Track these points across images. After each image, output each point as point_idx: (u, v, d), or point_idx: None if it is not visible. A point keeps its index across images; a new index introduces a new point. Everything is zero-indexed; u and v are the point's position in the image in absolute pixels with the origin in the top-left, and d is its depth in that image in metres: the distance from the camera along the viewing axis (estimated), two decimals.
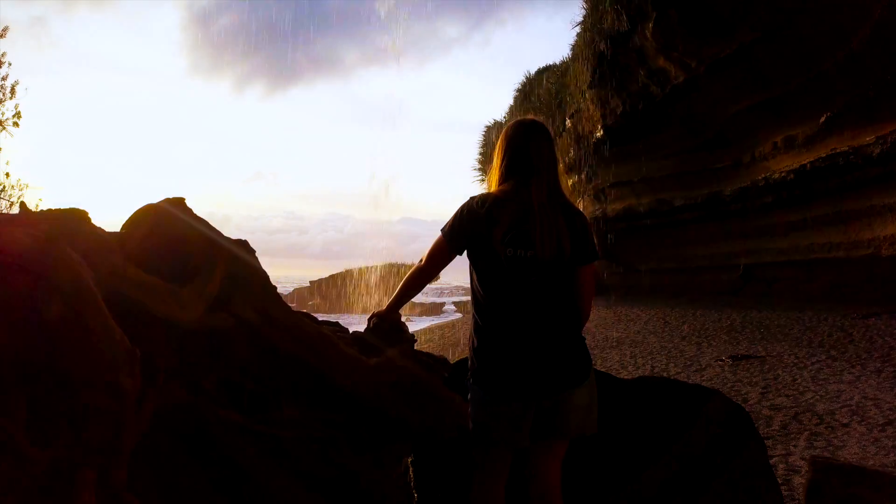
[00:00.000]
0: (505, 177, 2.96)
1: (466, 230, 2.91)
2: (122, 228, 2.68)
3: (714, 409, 3.86)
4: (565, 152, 29.82)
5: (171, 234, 2.59)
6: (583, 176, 28.68)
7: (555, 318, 2.88)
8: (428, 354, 3.19)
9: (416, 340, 3.26)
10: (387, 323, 3.20)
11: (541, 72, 35.31)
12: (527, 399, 2.82)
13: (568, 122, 28.66)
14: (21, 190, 8.23)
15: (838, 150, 17.53)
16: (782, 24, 16.66)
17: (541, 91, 33.45)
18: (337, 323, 3.40)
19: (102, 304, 1.98)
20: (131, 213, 2.60)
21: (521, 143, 2.97)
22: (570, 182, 30.50)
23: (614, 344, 17.04)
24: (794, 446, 7.13)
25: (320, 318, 3.21)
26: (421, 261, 3.09)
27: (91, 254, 2.16)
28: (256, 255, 2.78)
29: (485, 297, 2.90)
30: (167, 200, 2.67)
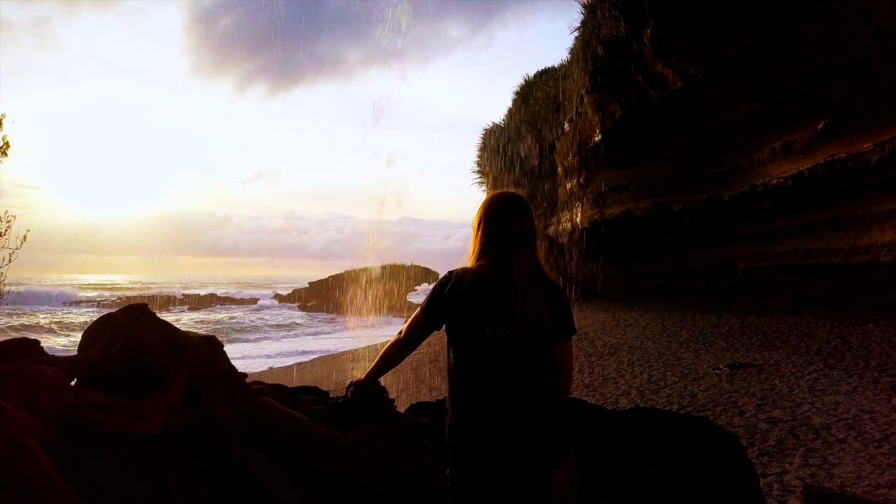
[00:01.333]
0: (485, 251, 2.93)
1: (445, 308, 2.89)
2: (80, 341, 2.67)
3: (700, 437, 3.86)
4: (564, 156, 29.85)
5: (131, 344, 2.59)
6: (581, 180, 28.66)
7: (534, 396, 2.85)
8: (409, 418, 3.17)
9: (395, 405, 3.24)
10: (364, 392, 3.16)
11: (540, 75, 35.29)
12: (505, 479, 2.79)
13: (567, 126, 28.66)
14: (8, 222, 8.12)
15: (836, 157, 17.52)
16: (781, 30, 16.66)
17: (539, 94, 33.43)
18: (316, 388, 3.39)
19: (44, 460, 1.98)
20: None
21: (502, 217, 2.95)
22: (568, 186, 30.50)
23: (612, 350, 17.05)
24: (790, 464, 7.13)
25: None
26: (400, 333, 3.07)
27: (40, 393, 2.17)
28: (224, 349, 2.78)
29: (463, 374, 2.86)
30: (125, 310, 2.67)
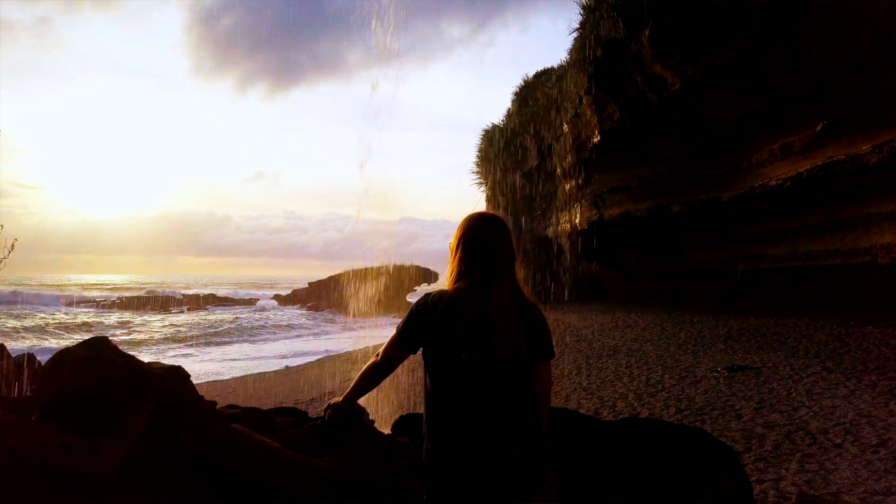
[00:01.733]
0: (463, 273, 2.88)
1: (420, 331, 2.84)
2: (39, 378, 2.62)
3: (692, 447, 3.82)
4: (563, 157, 29.84)
5: (89, 379, 2.52)
6: (580, 181, 28.66)
7: (511, 422, 2.79)
8: (389, 439, 3.13)
9: (374, 424, 3.20)
10: (343, 415, 3.12)
11: (539, 75, 35.31)
12: None
13: (565, 127, 28.63)
14: None
15: (835, 159, 17.50)
16: (780, 32, 16.62)
17: (538, 95, 33.43)
18: (294, 409, 3.35)
19: None
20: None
21: (481, 239, 2.91)
22: (567, 187, 30.48)
23: (611, 352, 17.01)
24: (786, 470, 7.09)
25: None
26: (377, 355, 3.02)
27: None
28: (190, 378, 2.74)
29: (439, 399, 2.81)
30: (84, 344, 2.61)
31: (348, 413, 3.15)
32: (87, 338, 2.68)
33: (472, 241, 2.92)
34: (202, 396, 2.77)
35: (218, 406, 3.07)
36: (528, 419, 2.85)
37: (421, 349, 2.88)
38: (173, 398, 2.63)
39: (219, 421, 2.72)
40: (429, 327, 2.80)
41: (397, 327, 2.94)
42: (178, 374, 2.69)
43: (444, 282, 3.00)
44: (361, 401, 3.23)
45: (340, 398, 3.15)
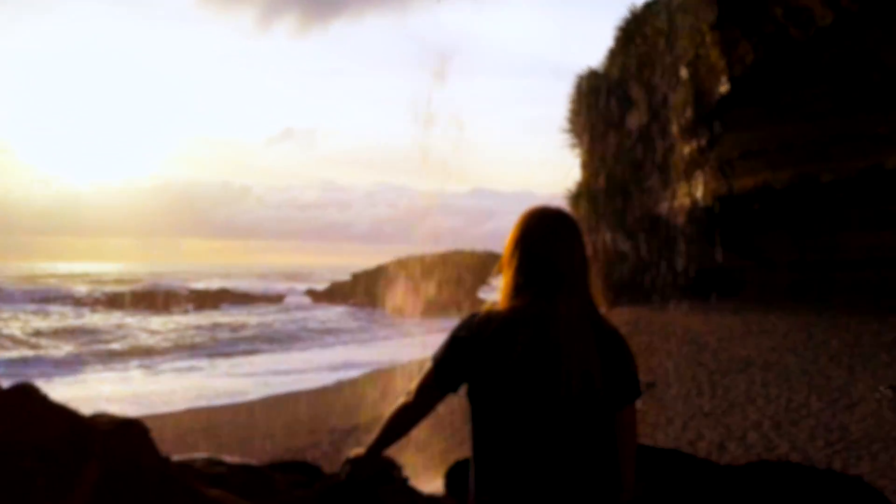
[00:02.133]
0: (521, 289, 2.78)
1: (463, 363, 2.75)
2: None
3: (841, 498, 3.86)
4: (680, 113, 29.55)
5: (14, 439, 2.48)
6: (703, 143, 28.40)
7: (583, 480, 2.69)
8: (430, 500, 3.15)
9: (407, 482, 3.20)
10: (366, 471, 3.03)
11: (650, 5, 34.98)
12: None
13: (683, 73, 28.40)
14: None
15: None
16: None
17: (649, 31, 33.16)
18: (304, 464, 3.37)
19: None
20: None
21: (543, 243, 2.83)
22: (686, 151, 30.23)
23: (742, 366, 16.97)
24: None
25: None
26: (409, 393, 2.91)
27: None
28: (149, 433, 2.66)
29: (489, 449, 2.73)
30: (3, 396, 2.60)
31: (374, 469, 3.06)
32: (7, 385, 2.60)
33: (532, 247, 2.84)
34: (167, 458, 2.69)
35: (199, 461, 3.05)
36: (604, 475, 2.77)
37: (465, 386, 2.79)
38: (126, 461, 2.58)
39: (188, 488, 2.65)
40: (474, 358, 2.71)
41: (433, 357, 2.85)
42: (132, 431, 2.65)
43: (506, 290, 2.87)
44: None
45: (363, 449, 3.03)
